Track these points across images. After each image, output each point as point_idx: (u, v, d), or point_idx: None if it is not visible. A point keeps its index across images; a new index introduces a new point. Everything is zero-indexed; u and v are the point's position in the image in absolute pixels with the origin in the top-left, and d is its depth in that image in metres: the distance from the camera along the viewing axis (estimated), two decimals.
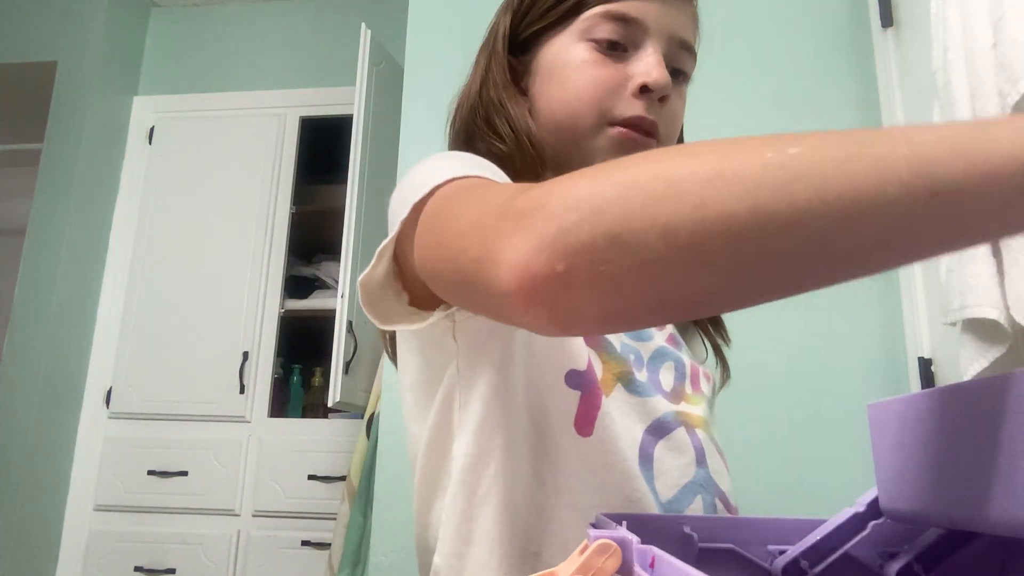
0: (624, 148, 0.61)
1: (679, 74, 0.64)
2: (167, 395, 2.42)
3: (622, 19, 0.61)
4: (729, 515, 0.60)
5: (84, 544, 2.34)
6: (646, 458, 0.56)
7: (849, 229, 0.29)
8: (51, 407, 2.34)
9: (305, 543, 2.23)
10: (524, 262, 0.33)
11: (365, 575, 1.69)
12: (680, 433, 0.59)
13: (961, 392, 0.27)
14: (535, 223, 0.33)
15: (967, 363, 1.01)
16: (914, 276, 1.35)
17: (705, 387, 0.66)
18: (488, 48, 0.69)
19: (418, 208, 0.46)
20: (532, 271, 0.33)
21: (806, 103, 1.56)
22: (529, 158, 0.61)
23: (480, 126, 0.65)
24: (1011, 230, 0.29)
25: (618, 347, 0.59)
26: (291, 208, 2.59)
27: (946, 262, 1.05)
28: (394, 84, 1.92)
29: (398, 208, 0.49)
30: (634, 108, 0.60)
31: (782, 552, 0.37)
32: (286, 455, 2.33)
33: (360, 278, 0.51)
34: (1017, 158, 0.27)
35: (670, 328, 0.67)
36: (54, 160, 2.50)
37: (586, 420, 0.55)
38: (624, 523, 0.40)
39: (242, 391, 2.40)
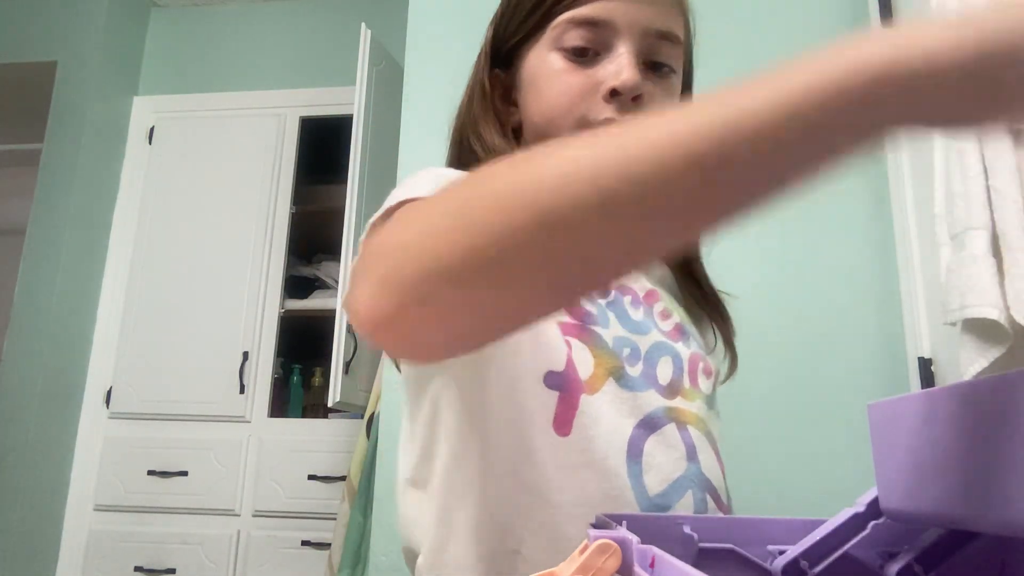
0: None
1: (661, 67, 0.63)
2: (167, 395, 2.42)
3: (589, 23, 0.61)
4: (725, 514, 0.59)
5: (84, 544, 2.34)
6: (635, 452, 0.56)
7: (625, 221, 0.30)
8: (51, 407, 2.34)
9: (305, 543, 2.23)
10: (367, 308, 0.36)
11: (365, 575, 1.69)
12: (671, 429, 0.59)
13: (961, 392, 0.27)
14: (372, 268, 0.36)
15: (967, 363, 1.01)
16: (914, 276, 1.35)
17: (704, 383, 0.65)
18: (477, 62, 0.71)
19: (374, 227, 0.49)
20: (374, 316, 0.35)
21: None
22: None
23: (464, 143, 0.68)
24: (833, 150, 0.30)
25: (610, 342, 0.59)
26: (291, 208, 2.59)
27: (946, 262, 1.05)
28: (394, 84, 1.92)
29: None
30: (606, 112, 0.60)
31: (782, 552, 0.37)
32: (286, 455, 2.33)
33: (342, 299, 0.54)
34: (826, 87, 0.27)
35: (676, 318, 0.66)
36: (54, 160, 2.50)
37: (564, 420, 0.56)
38: (624, 523, 0.40)
39: (242, 391, 2.40)
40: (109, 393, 2.48)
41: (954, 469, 0.26)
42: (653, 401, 0.59)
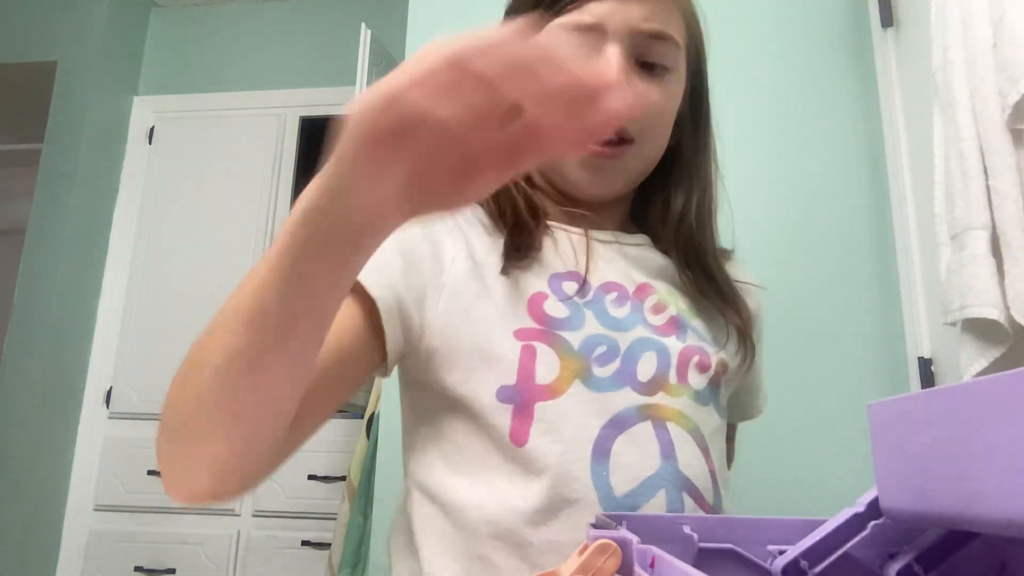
0: (590, 165, 0.64)
1: (655, 67, 0.63)
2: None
3: (578, 27, 0.61)
4: (706, 514, 0.58)
5: (84, 544, 2.34)
6: (602, 453, 0.56)
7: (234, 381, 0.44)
8: (51, 407, 2.34)
9: (305, 543, 2.23)
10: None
11: (365, 575, 1.69)
12: (644, 427, 0.58)
13: (962, 392, 0.27)
14: None
15: (967, 363, 1.01)
16: (914, 276, 1.35)
17: (696, 377, 0.63)
18: None
19: None
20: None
21: (806, 103, 1.56)
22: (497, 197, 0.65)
23: None
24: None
25: (578, 343, 0.59)
26: (291, 208, 2.58)
27: (946, 262, 1.05)
28: None
29: None
30: None
31: (782, 552, 0.37)
32: None
33: None
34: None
35: (671, 311, 0.65)
36: (54, 160, 2.50)
37: (520, 431, 0.57)
38: (624, 523, 0.40)
39: None
40: (109, 393, 2.47)
41: (955, 469, 0.26)
42: (625, 400, 0.58)
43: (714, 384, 0.65)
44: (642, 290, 0.65)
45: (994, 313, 0.94)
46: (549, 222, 0.66)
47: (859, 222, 1.49)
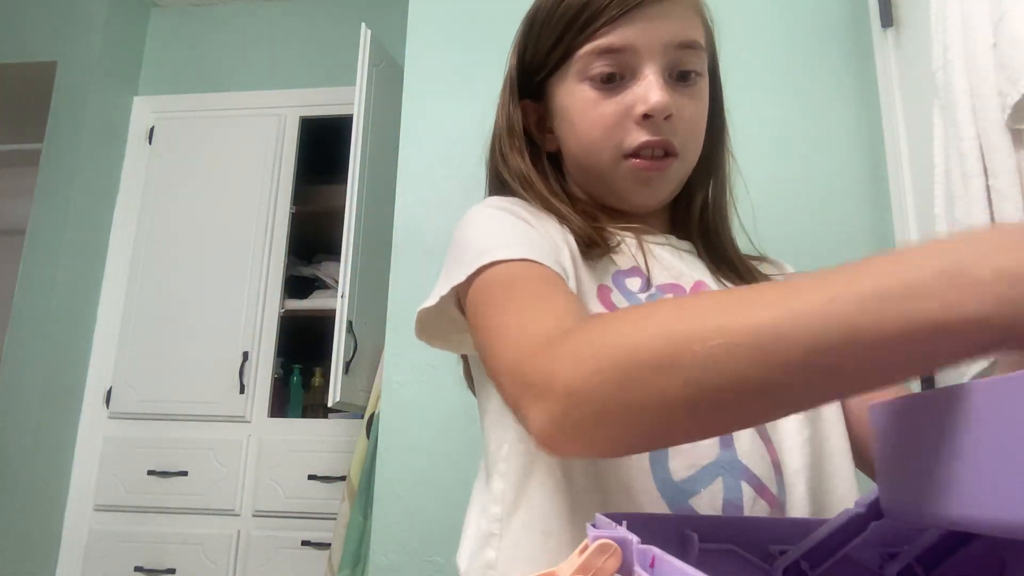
0: (641, 179, 0.65)
1: (689, 75, 0.65)
2: (167, 395, 2.42)
3: (610, 51, 0.63)
4: (771, 505, 0.57)
5: (84, 544, 2.34)
6: None
7: (797, 386, 0.34)
8: (51, 407, 2.34)
9: (305, 543, 2.23)
10: (541, 431, 0.42)
11: (365, 575, 1.69)
12: None
13: (963, 394, 0.27)
14: (545, 402, 0.41)
15: (967, 363, 1.01)
16: None
17: None
18: (503, 92, 0.73)
19: (469, 280, 0.55)
20: (548, 439, 0.42)
21: (806, 103, 1.56)
22: (534, 197, 0.67)
23: (497, 173, 0.71)
24: (925, 371, 0.33)
25: None
26: (291, 208, 2.59)
27: None
28: (394, 84, 1.92)
29: (452, 263, 0.59)
30: (642, 135, 0.63)
31: (782, 553, 0.37)
32: (286, 455, 2.33)
33: (419, 310, 0.61)
34: (937, 326, 0.30)
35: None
36: (54, 160, 2.50)
37: None
38: (624, 523, 0.40)
39: (242, 391, 2.40)
40: (109, 393, 2.47)
41: (955, 471, 0.26)
42: None
43: None
44: (698, 287, 0.66)
45: None
46: (607, 227, 0.68)
47: (859, 222, 1.49)
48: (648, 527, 0.39)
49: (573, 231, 0.64)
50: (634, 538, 0.32)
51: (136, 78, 2.81)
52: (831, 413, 0.66)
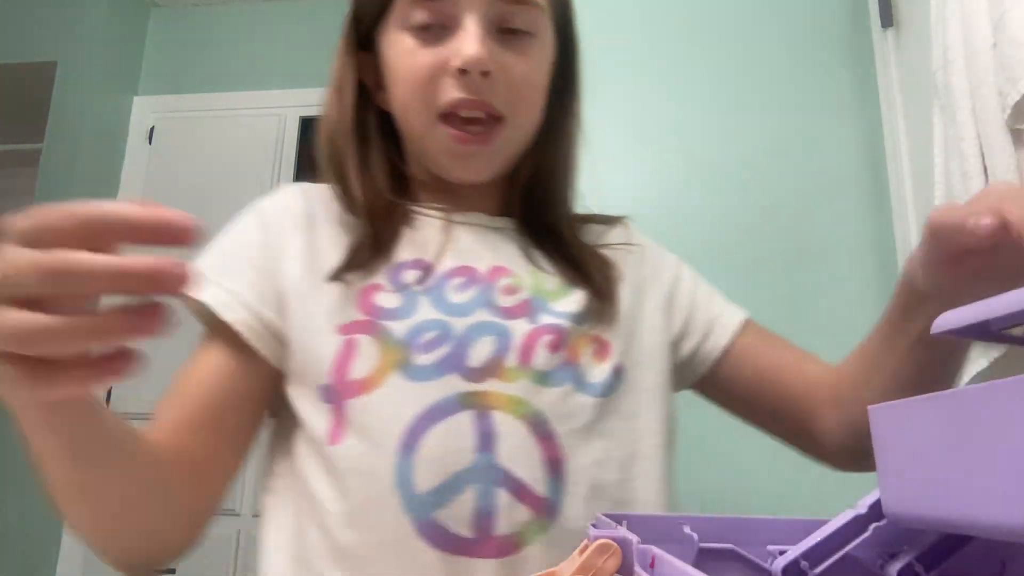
0: (458, 153, 0.60)
1: (517, 32, 0.60)
2: None
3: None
4: (533, 509, 0.53)
5: (84, 544, 2.34)
6: (410, 446, 0.53)
7: None
8: None
9: None
10: None
11: None
12: (462, 417, 0.54)
13: (964, 396, 0.27)
14: None
15: (967, 363, 1.01)
16: None
17: (547, 358, 0.57)
18: (339, 41, 0.70)
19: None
20: None
21: (806, 103, 1.56)
22: (335, 177, 0.65)
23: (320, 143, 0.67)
24: None
25: (403, 332, 0.56)
26: None
27: None
28: None
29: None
30: (456, 92, 0.58)
31: (782, 552, 0.37)
32: None
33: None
34: None
35: (525, 294, 0.61)
36: (54, 160, 2.50)
37: (336, 431, 0.55)
38: (624, 523, 0.40)
39: None
40: (109, 393, 2.47)
41: (957, 474, 0.26)
42: (447, 388, 0.55)
43: (570, 363, 0.59)
44: (495, 272, 0.62)
45: None
46: (413, 206, 0.64)
47: (859, 222, 1.50)
48: (648, 526, 0.39)
49: (354, 242, 0.60)
50: (634, 538, 0.32)
51: (136, 78, 2.81)
52: (650, 412, 0.62)
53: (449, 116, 0.59)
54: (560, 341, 0.59)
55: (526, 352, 0.57)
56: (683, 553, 0.39)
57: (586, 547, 0.32)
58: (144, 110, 2.76)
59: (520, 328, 0.58)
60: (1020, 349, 0.98)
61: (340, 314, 0.57)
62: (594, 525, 0.39)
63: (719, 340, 0.69)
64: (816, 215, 1.51)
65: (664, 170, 1.60)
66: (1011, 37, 0.93)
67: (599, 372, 0.60)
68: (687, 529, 0.40)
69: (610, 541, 0.32)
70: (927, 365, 0.55)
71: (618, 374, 0.61)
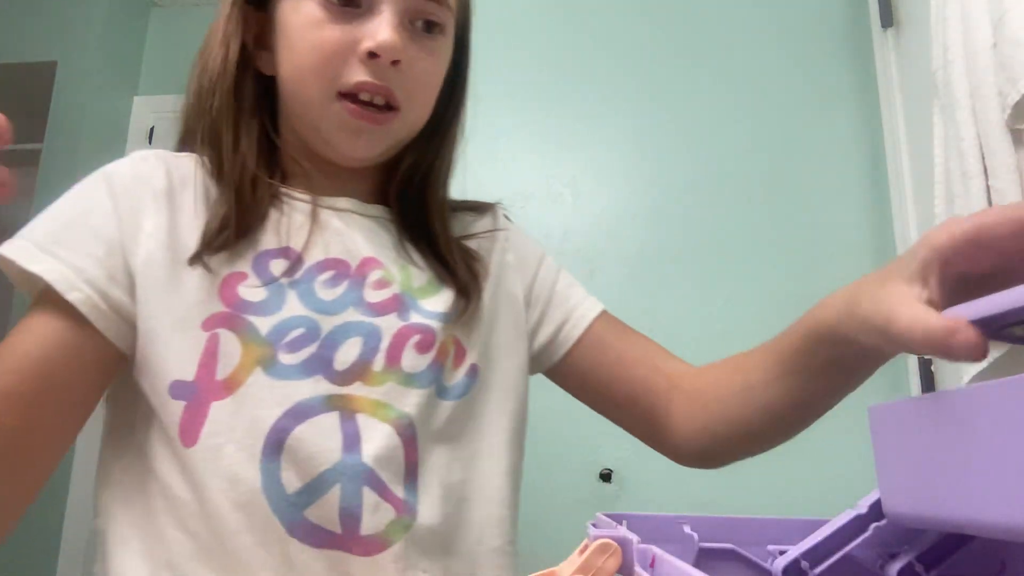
0: (352, 127, 0.58)
1: (432, 27, 0.59)
2: None
3: None
4: (396, 509, 0.53)
5: (84, 544, 2.34)
6: (274, 447, 0.51)
7: None
8: None
9: None
10: None
11: None
12: (328, 417, 0.53)
13: (963, 397, 0.27)
14: None
15: (967, 364, 1.01)
16: None
17: (413, 359, 0.57)
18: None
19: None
20: None
21: (806, 103, 1.56)
22: (203, 138, 0.64)
23: (203, 98, 0.67)
24: None
25: (267, 329, 0.54)
26: None
27: None
28: None
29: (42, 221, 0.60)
30: (361, 74, 0.57)
31: (782, 552, 0.37)
32: None
33: None
34: None
35: (395, 289, 0.60)
36: (54, 160, 2.51)
37: (190, 430, 0.52)
38: (624, 522, 0.40)
39: None
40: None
41: (956, 474, 0.26)
42: (312, 389, 0.53)
43: (435, 364, 0.58)
44: (366, 265, 0.60)
45: None
46: (282, 188, 0.62)
47: (859, 222, 1.50)
48: (649, 527, 0.39)
49: (213, 220, 0.57)
50: (634, 537, 0.32)
51: (136, 78, 2.81)
52: (497, 409, 0.61)
53: (348, 95, 0.58)
54: (428, 342, 0.58)
55: (393, 353, 0.57)
56: (683, 553, 0.39)
57: (586, 547, 0.32)
58: (144, 110, 2.76)
59: (389, 325, 0.57)
60: (1020, 348, 0.98)
61: (202, 306, 0.54)
62: (594, 525, 0.39)
63: (573, 331, 0.69)
64: (816, 215, 1.51)
65: (664, 171, 1.60)
66: (1011, 37, 0.93)
67: (457, 375, 0.60)
68: (687, 529, 0.40)
69: (610, 541, 0.32)
70: (819, 393, 0.57)
71: (472, 375, 0.61)
